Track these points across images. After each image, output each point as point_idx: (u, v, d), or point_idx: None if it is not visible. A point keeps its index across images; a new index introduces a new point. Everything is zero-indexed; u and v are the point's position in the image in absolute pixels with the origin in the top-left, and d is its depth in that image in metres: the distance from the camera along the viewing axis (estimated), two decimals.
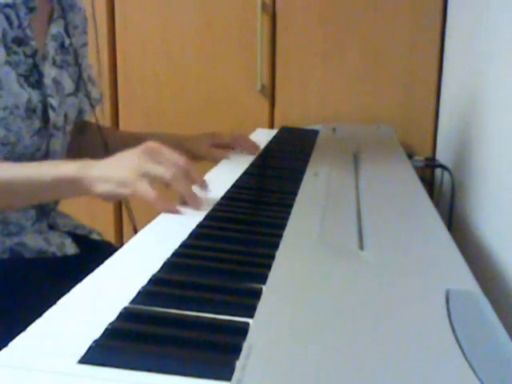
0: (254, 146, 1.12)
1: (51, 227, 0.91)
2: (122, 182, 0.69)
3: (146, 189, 0.68)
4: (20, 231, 0.85)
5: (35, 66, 0.82)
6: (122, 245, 0.62)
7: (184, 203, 0.73)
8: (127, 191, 0.69)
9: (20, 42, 0.80)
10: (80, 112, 1.00)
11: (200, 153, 1.06)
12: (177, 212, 0.71)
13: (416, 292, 0.50)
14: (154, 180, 0.70)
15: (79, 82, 0.95)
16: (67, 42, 0.90)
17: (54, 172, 0.72)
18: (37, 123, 0.82)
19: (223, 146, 1.10)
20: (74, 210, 1.02)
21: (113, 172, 0.70)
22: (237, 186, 0.86)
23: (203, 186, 0.77)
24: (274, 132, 1.40)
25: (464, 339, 0.42)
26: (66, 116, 0.89)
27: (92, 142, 1.05)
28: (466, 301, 0.48)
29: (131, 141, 1.09)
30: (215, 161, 1.05)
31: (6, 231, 0.84)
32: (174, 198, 0.74)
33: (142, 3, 1.55)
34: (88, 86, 1.00)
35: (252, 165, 1.01)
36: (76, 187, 0.71)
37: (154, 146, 0.72)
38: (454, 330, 0.43)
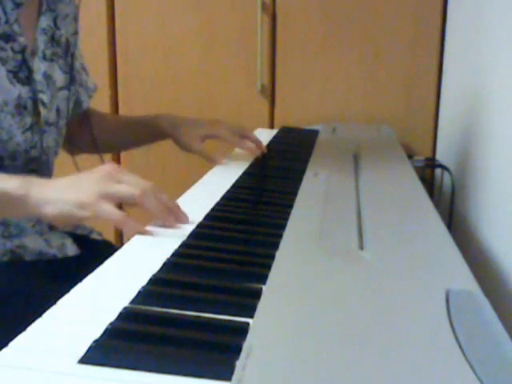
0: (258, 145, 1.07)
1: (51, 228, 0.91)
2: (79, 203, 0.63)
3: (109, 209, 0.63)
4: (20, 233, 0.85)
5: (24, 62, 0.80)
6: (122, 245, 0.62)
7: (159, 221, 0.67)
8: (87, 213, 0.63)
9: (7, 38, 0.78)
10: (78, 104, 0.98)
11: (192, 148, 1.03)
12: (147, 233, 0.65)
13: (416, 292, 0.50)
14: (118, 200, 0.65)
15: (72, 72, 0.92)
16: (57, 34, 0.88)
17: None
18: (28, 120, 0.81)
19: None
20: None
21: (68, 193, 0.64)
22: (237, 186, 0.86)
23: (174, 209, 0.68)
24: (274, 132, 1.40)
25: (464, 339, 0.42)
26: (58, 110, 0.88)
27: (97, 129, 1.03)
28: (466, 301, 0.48)
29: (132, 126, 1.09)
30: (208, 160, 1.02)
31: (7, 233, 0.83)
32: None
33: (142, 3, 1.55)
34: (82, 75, 0.99)
35: (252, 165, 1.01)
36: (21, 207, 0.65)
37: (113, 168, 0.67)
38: (454, 330, 0.43)
